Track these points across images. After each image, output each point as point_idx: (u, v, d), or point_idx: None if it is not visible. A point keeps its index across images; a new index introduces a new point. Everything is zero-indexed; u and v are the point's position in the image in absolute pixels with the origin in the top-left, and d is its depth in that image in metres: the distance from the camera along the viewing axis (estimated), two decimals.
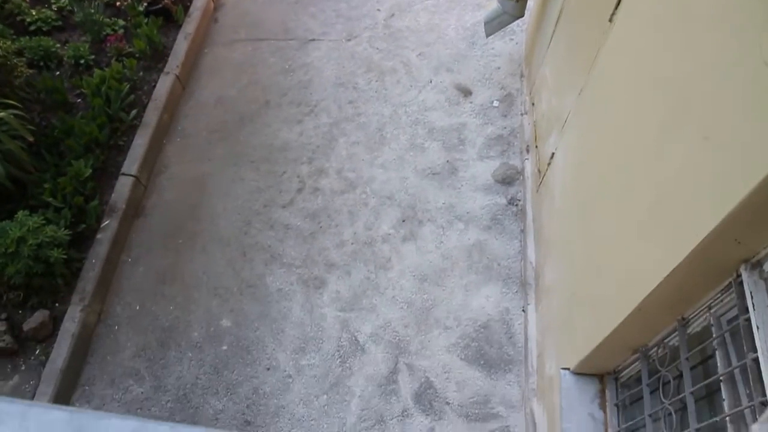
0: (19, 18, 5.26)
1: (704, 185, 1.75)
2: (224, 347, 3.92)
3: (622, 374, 2.80)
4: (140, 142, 4.75)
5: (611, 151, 2.76)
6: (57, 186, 4.24)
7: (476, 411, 3.64)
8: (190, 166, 4.81)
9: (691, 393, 2.08)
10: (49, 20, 5.30)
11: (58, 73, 5.06)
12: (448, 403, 3.68)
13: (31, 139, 4.23)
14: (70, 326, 3.88)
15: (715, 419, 1.95)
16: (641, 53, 2.48)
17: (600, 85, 3.05)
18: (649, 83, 2.34)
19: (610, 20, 2.89)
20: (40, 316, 3.84)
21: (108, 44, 5.12)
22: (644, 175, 2.24)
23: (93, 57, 5.11)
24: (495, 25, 4.86)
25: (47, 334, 3.87)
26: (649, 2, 2.46)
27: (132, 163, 4.64)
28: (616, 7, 2.82)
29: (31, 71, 4.79)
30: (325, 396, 3.73)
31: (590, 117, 3.20)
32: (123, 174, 4.59)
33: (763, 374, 1.64)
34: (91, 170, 4.39)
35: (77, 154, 4.46)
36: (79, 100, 4.93)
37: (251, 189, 4.64)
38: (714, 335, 1.98)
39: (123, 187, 4.53)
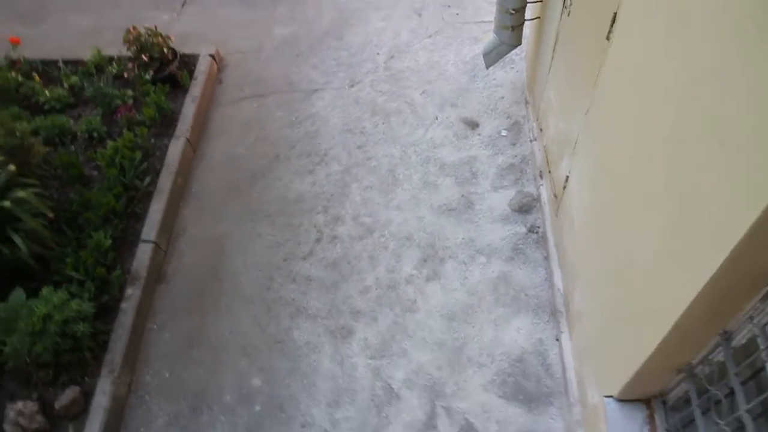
0: (33, 99, 5.40)
1: (727, 192, 1.71)
2: (257, 407, 3.86)
3: (670, 396, 2.70)
4: (156, 208, 4.79)
5: (626, 167, 2.73)
6: (79, 259, 4.27)
7: None
8: (207, 227, 4.83)
9: (747, 411, 1.99)
10: (62, 98, 5.43)
11: (72, 148, 5.16)
12: None
13: (51, 215, 4.29)
14: (101, 400, 3.85)
15: None
16: (643, 66, 2.47)
17: (605, 103, 3.03)
18: (655, 95, 2.32)
19: (608, 38, 2.89)
20: (71, 393, 3.82)
21: (119, 115, 5.23)
22: (664, 188, 2.20)
23: (105, 129, 5.21)
24: (494, 56, 4.89)
25: (79, 411, 3.84)
26: (644, 15, 2.45)
27: (150, 229, 4.67)
28: (612, 24, 2.82)
29: (47, 149, 4.89)
30: None
31: (600, 136, 3.18)
32: (142, 241, 4.62)
33: None
34: (110, 240, 4.42)
35: (96, 225, 4.51)
36: (94, 172, 5.01)
37: (269, 244, 4.64)
38: (761, 347, 1.90)
39: (143, 254, 4.55)
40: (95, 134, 5.16)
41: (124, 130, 5.14)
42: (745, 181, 1.61)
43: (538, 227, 4.43)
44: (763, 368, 1.95)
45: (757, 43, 1.52)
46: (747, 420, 1.99)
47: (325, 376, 3.92)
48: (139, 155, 4.93)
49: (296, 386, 3.91)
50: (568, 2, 3.72)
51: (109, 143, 4.96)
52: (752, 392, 2.03)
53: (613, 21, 2.84)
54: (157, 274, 4.60)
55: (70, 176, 4.87)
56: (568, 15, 3.77)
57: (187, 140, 5.23)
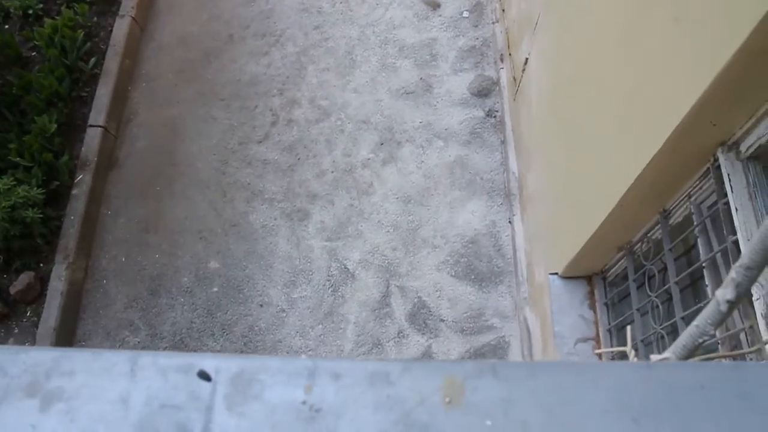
0: None
1: (676, 69, 1.69)
2: (215, 289, 3.91)
3: (609, 273, 2.81)
4: (104, 92, 4.59)
5: (582, 47, 2.67)
6: (23, 145, 4.12)
7: (471, 325, 3.69)
8: (160, 110, 4.67)
9: (676, 283, 2.09)
10: None
11: (6, 27, 4.83)
12: (442, 320, 3.71)
13: None
14: (57, 285, 3.85)
15: (699, 305, 1.96)
16: None
17: None
18: None
19: None
20: (25, 278, 3.80)
21: None
22: (617, 67, 2.17)
23: (41, 6, 4.87)
24: None
25: (36, 295, 3.84)
26: None
27: (98, 113, 4.49)
28: None
29: None
30: (321, 326, 3.75)
31: (559, 14, 3.09)
32: (90, 126, 4.45)
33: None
34: (56, 125, 4.25)
35: (39, 109, 4.31)
36: (33, 53, 4.73)
37: (224, 128, 4.52)
38: (695, 223, 1.96)
39: (92, 139, 4.40)
40: (31, 12, 4.83)
41: (63, 8, 4.81)
42: (692, 58, 1.58)
43: (497, 111, 4.40)
44: (695, 244, 2.02)
45: None
46: (674, 291, 2.08)
47: (281, 258, 3.97)
48: (81, 35, 4.65)
49: (253, 267, 3.95)
50: None
51: (48, 21, 4.64)
52: (683, 267, 2.12)
53: None
54: (108, 160, 4.48)
55: (6, 57, 4.58)
56: None
57: (133, 18, 4.94)
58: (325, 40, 4.88)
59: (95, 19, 4.90)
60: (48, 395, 0.57)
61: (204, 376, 0.57)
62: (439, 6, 4.94)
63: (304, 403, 0.55)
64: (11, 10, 4.83)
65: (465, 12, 4.88)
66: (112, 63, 4.71)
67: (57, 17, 4.70)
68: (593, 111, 2.46)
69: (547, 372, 0.56)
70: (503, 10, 4.54)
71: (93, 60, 4.66)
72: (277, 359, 0.58)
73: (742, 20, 1.32)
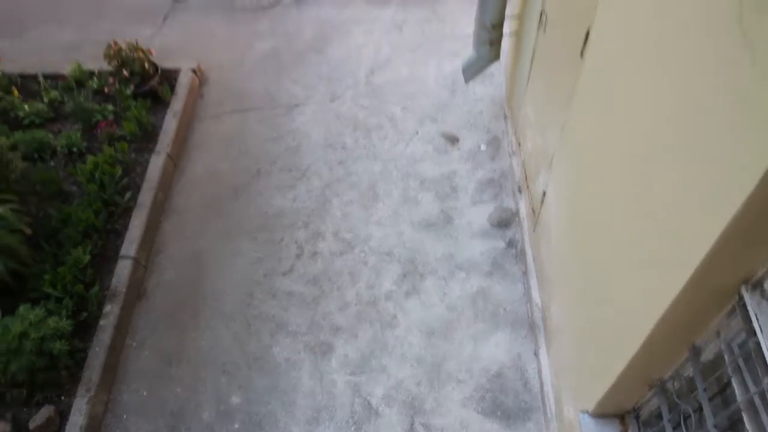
0: (12, 114, 5.38)
1: (694, 208, 1.74)
2: (236, 425, 3.84)
3: (643, 411, 2.73)
4: (137, 223, 4.77)
5: (599, 184, 2.76)
6: (57, 276, 4.25)
7: None
8: (188, 242, 4.82)
9: (715, 426, 2.02)
10: (41, 113, 5.41)
11: (52, 163, 5.13)
12: None
13: (29, 231, 4.26)
14: (77, 420, 3.82)
15: None
16: (615, 85, 2.51)
17: (581, 119, 3.07)
18: (627, 114, 2.35)
19: (581, 56, 2.93)
20: (45, 412, 3.78)
21: (99, 130, 5.21)
22: (634, 204, 2.23)
23: (85, 144, 5.19)
24: (473, 70, 4.94)
25: (54, 431, 3.80)
26: (616, 33, 2.49)
27: (130, 245, 4.65)
28: (585, 42, 2.87)
29: (25, 164, 4.86)
30: None
31: (575, 152, 3.21)
32: (122, 257, 4.59)
33: None
34: (89, 256, 4.40)
35: (75, 241, 4.49)
36: (74, 187, 4.99)
37: (250, 260, 4.63)
38: (727, 362, 1.93)
39: (123, 270, 4.53)
40: (75, 149, 5.15)
41: (105, 146, 5.12)
42: (710, 197, 1.63)
43: (517, 242, 4.46)
44: (729, 383, 1.97)
45: (724, 69, 1.56)
46: None
47: (304, 393, 3.91)
48: (119, 170, 4.92)
49: (275, 403, 3.90)
50: (544, 18, 3.78)
51: (89, 158, 4.94)
52: (719, 407, 2.06)
53: (586, 39, 2.89)
54: (136, 291, 4.57)
55: (49, 192, 4.84)
56: (544, 31, 3.82)
57: (168, 155, 5.22)
58: (348, 175, 5.08)
59: (133, 155, 5.19)
60: None
61: None
62: (457, 140, 5.16)
63: None
64: (57, 149, 5.15)
65: (483, 145, 5.08)
66: (146, 196, 4.93)
67: (99, 154, 4.99)
68: (613, 247, 2.50)
69: None
70: (519, 144, 4.73)
71: (128, 194, 4.89)
72: None
73: (752, 167, 1.38)
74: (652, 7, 2.08)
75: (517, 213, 4.59)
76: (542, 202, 3.97)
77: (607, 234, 2.60)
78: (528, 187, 4.43)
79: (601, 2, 2.66)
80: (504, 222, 4.59)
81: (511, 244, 4.46)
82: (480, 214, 4.65)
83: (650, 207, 2.07)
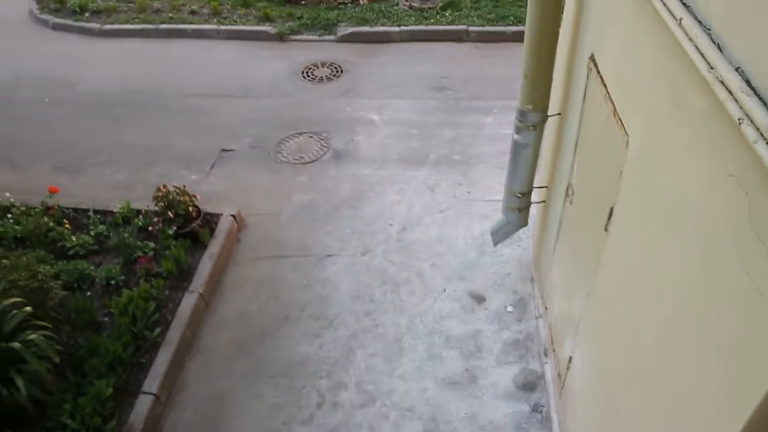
0: (59, 244, 5.66)
1: (716, 390, 1.78)
2: None
3: None
4: (162, 360, 4.82)
5: (624, 356, 2.80)
6: (77, 407, 4.25)
7: None
8: (211, 382, 4.82)
9: None
10: (86, 245, 5.69)
11: (89, 293, 5.31)
12: None
13: (56, 359, 4.33)
14: None
15: None
16: (638, 260, 2.64)
17: (606, 289, 3.17)
18: (650, 289, 2.46)
19: (606, 230, 3.10)
20: None
21: (138, 265, 5.43)
22: (658, 379, 2.27)
23: (123, 278, 5.39)
24: (501, 234, 5.14)
25: None
26: (639, 212, 2.67)
27: (153, 381, 4.67)
28: (609, 218, 3.04)
29: (65, 293, 5.04)
30: None
31: (600, 322, 3.28)
32: (143, 392, 4.60)
33: None
34: (111, 389, 4.42)
35: (100, 373, 4.53)
36: (107, 318, 5.12)
37: (270, 405, 4.59)
38: None
39: (142, 406, 4.51)
40: (113, 282, 5.34)
41: (141, 281, 5.31)
42: (732, 382, 1.69)
43: (542, 406, 4.39)
44: None
45: (739, 251, 1.69)
46: None
47: None
48: (152, 306, 5.06)
49: None
50: (570, 191, 4.01)
51: (125, 292, 5.11)
52: None
53: (611, 215, 3.07)
54: (152, 428, 4.52)
55: (82, 321, 4.97)
56: (571, 203, 4.04)
57: (201, 295, 5.37)
58: (375, 327, 5.15)
59: (167, 292, 5.35)
60: None
61: None
62: (484, 300, 5.26)
63: None
64: (97, 280, 5.35)
65: (509, 306, 5.17)
66: (174, 333, 5.02)
67: (135, 289, 5.16)
68: (639, 421, 2.49)
69: None
70: (546, 307, 4.80)
71: (158, 329, 4.99)
72: None
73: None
74: (671, 197, 2.27)
75: (542, 376, 4.56)
76: (568, 368, 3.97)
77: (634, 407, 2.61)
78: (554, 350, 4.44)
79: (624, 183, 2.87)
80: (529, 385, 4.55)
81: (536, 408, 4.39)
82: (505, 376, 4.62)
83: (674, 384, 2.11)
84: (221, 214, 6.18)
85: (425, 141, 7.18)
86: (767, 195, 1.57)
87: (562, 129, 4.30)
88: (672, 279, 2.20)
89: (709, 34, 1.93)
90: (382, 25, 9.26)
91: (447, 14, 9.24)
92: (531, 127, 4.38)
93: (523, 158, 4.57)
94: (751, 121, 1.59)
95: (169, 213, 5.78)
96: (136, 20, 9.73)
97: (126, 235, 5.69)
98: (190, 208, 5.89)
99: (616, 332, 2.97)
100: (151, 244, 5.71)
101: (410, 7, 9.50)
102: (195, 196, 6.01)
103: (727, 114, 1.66)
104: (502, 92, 7.45)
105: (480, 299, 5.28)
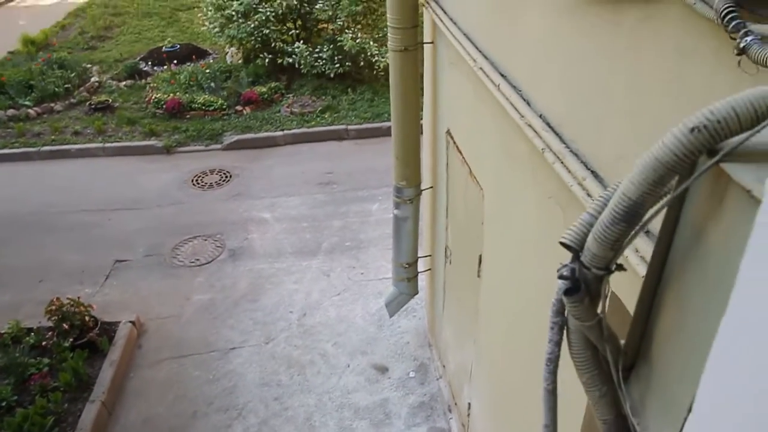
0: None
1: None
2: None
3: None
4: None
5: (512, 388, 3.15)
6: None
7: None
8: None
9: None
10: None
11: None
12: None
13: None
14: None
15: None
16: (504, 292, 3.06)
17: (487, 329, 3.56)
18: (515, 315, 2.87)
19: (479, 275, 3.52)
20: None
21: (33, 382, 5.26)
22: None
23: (16, 397, 5.19)
24: (395, 305, 5.48)
25: None
26: (498, 250, 3.12)
27: None
28: (480, 264, 3.48)
29: None
30: None
31: (487, 359, 3.64)
32: None
33: None
34: None
35: None
36: None
37: None
38: None
39: None
40: (4, 403, 5.12)
41: (37, 397, 5.14)
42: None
43: None
44: None
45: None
46: None
47: None
48: (50, 420, 4.90)
49: None
50: (449, 252, 4.46)
51: (19, 411, 4.93)
52: None
53: (480, 261, 3.51)
54: None
55: None
56: (450, 263, 4.49)
57: (103, 403, 5.25)
58: (284, 410, 5.24)
59: (66, 405, 5.19)
60: None
61: None
62: (387, 369, 5.50)
63: None
64: None
65: (411, 372, 5.44)
66: None
67: (30, 407, 4.98)
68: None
69: None
70: (444, 367, 5.12)
71: None
72: None
73: None
74: (518, 229, 2.74)
75: (449, 431, 4.80)
76: (468, 414, 4.26)
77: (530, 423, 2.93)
78: (456, 404, 4.72)
79: (485, 231, 3.34)
80: None
81: None
82: None
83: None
84: (119, 322, 6.13)
85: (317, 232, 7.54)
86: (573, 205, 2.02)
87: (435, 199, 4.82)
88: (531, 294, 2.61)
89: (520, 94, 2.46)
90: (266, 131, 9.78)
91: (326, 116, 9.93)
92: (408, 201, 4.85)
93: (405, 230, 5.00)
94: (550, 149, 2.08)
95: (64, 325, 5.69)
96: (16, 144, 9.68)
97: (17, 354, 5.52)
98: (87, 318, 5.84)
99: (501, 364, 3.33)
100: (46, 360, 5.56)
101: (291, 112, 10.11)
102: (91, 306, 5.96)
103: (542, 155, 2.14)
104: (384, 181, 8.01)
105: (383, 370, 5.52)
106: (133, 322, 6.17)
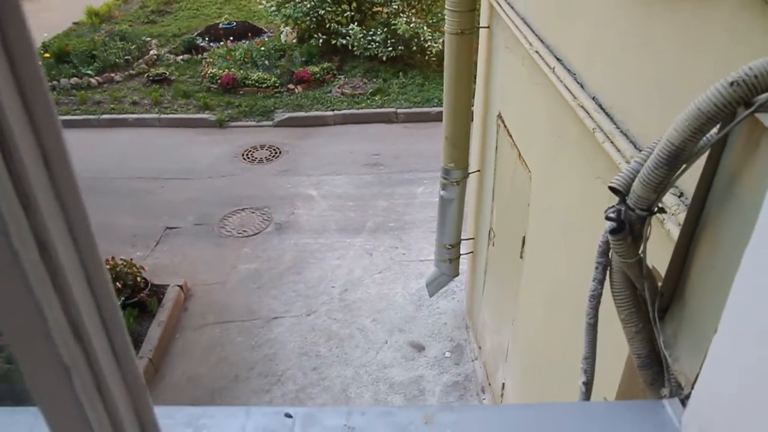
0: None
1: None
2: None
3: None
4: None
5: (547, 367, 3.23)
6: None
7: None
8: None
9: None
10: None
11: None
12: None
13: None
14: None
15: None
16: (545, 272, 3.12)
17: (527, 310, 3.63)
18: (557, 296, 2.93)
19: (521, 257, 3.59)
20: None
21: None
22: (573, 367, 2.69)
23: None
24: (435, 285, 5.58)
25: None
26: (542, 232, 3.18)
27: None
28: (523, 246, 3.55)
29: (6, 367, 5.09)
30: None
31: (525, 340, 3.72)
32: None
33: None
34: None
35: None
36: None
37: None
38: None
39: None
40: None
41: None
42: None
43: None
44: None
45: None
46: None
47: None
48: None
49: None
50: (492, 234, 4.54)
51: None
52: None
53: (523, 243, 3.58)
54: None
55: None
56: (493, 245, 4.56)
57: (150, 360, 5.51)
58: (322, 380, 5.41)
59: None
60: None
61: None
62: (424, 348, 5.62)
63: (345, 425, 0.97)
64: None
65: (447, 352, 5.54)
66: None
67: None
68: None
69: None
70: (480, 348, 5.21)
71: None
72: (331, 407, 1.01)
73: None
74: (563, 209, 2.80)
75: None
76: (502, 395, 4.35)
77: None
78: (490, 384, 4.81)
79: (531, 212, 3.40)
80: None
81: None
82: None
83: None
84: (168, 285, 6.39)
85: (362, 211, 7.68)
86: None
87: (482, 183, 4.88)
88: (572, 275, 2.68)
89: (574, 77, 2.52)
90: (317, 110, 9.95)
91: (377, 98, 10.03)
92: (455, 183, 4.93)
93: (450, 212, 5.08)
94: (601, 129, 2.14)
95: (117, 284, 5.96)
96: (77, 111, 10.08)
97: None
98: (138, 279, 6.11)
99: (540, 345, 3.41)
100: None
101: (342, 93, 10.25)
102: (142, 268, 6.23)
103: (592, 136, 2.21)
104: (430, 166, 8.09)
105: (420, 348, 5.64)
106: (180, 286, 6.43)
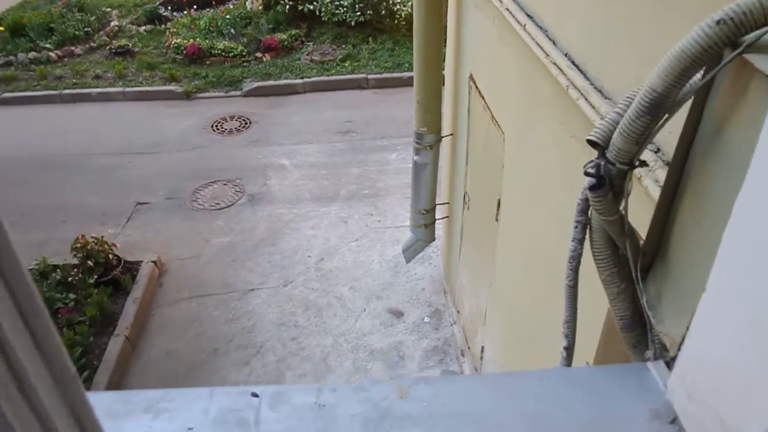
0: None
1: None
2: None
3: None
4: None
5: (525, 327, 3.22)
6: None
7: None
8: None
9: None
10: None
11: None
12: None
13: None
14: None
15: None
16: (521, 234, 3.10)
17: (503, 272, 3.62)
18: (534, 256, 2.91)
19: (497, 219, 3.57)
20: None
21: (60, 316, 5.44)
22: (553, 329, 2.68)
23: None
24: (412, 251, 5.55)
25: None
26: (517, 193, 3.15)
27: None
28: (498, 209, 3.52)
29: None
30: None
31: (501, 302, 3.71)
32: None
33: None
34: None
35: None
36: None
37: None
38: None
39: None
40: None
41: (65, 329, 5.33)
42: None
43: None
44: None
45: None
46: None
47: None
48: (78, 351, 5.09)
49: None
50: (467, 198, 4.50)
51: None
52: None
53: (498, 206, 3.55)
54: None
55: None
56: (468, 209, 4.53)
57: (126, 338, 5.44)
58: (301, 349, 5.38)
59: (92, 338, 5.38)
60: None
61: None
62: (402, 314, 5.62)
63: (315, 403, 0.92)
64: None
65: (426, 318, 5.54)
66: (102, 377, 5.06)
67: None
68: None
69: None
70: (458, 312, 5.21)
71: (85, 374, 5.01)
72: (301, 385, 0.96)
73: None
74: (538, 170, 2.76)
75: (461, 374, 4.92)
76: (481, 358, 4.36)
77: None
78: (469, 348, 4.83)
79: (505, 174, 3.36)
80: None
81: None
82: None
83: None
84: (141, 261, 6.29)
85: (335, 179, 7.60)
86: None
87: (455, 147, 4.83)
88: (549, 236, 2.65)
89: (545, 33, 2.46)
90: (286, 78, 9.76)
91: (346, 65, 9.87)
92: (428, 148, 4.86)
93: (424, 177, 5.02)
94: (575, 86, 2.09)
95: (89, 262, 5.85)
96: (38, 87, 9.76)
97: (45, 288, 5.69)
98: (110, 256, 5.99)
99: (516, 307, 3.40)
100: (72, 295, 5.73)
101: (311, 60, 10.06)
102: (114, 245, 6.11)
103: (566, 93, 2.15)
104: (403, 131, 8.01)
105: (398, 314, 5.64)
106: (154, 262, 6.32)
